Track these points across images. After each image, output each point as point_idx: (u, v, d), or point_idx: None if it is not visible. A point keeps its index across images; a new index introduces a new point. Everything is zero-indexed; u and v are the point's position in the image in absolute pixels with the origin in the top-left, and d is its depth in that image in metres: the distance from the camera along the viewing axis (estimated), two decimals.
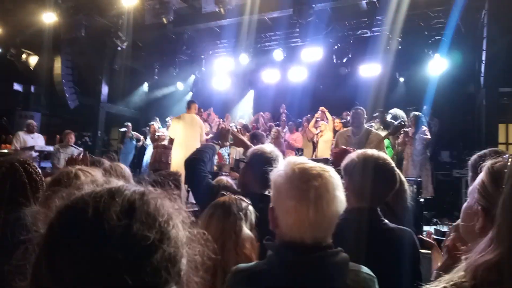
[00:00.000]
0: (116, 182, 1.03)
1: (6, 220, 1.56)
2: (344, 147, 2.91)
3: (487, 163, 1.02)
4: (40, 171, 1.75)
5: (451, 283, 0.78)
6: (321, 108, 8.18)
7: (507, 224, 0.79)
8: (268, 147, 2.06)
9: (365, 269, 1.14)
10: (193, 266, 0.60)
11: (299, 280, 1.01)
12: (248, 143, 2.71)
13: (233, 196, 1.57)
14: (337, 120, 7.61)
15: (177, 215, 0.59)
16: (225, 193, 1.61)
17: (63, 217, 0.55)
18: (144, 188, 0.60)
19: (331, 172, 1.08)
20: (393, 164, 1.58)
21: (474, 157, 1.86)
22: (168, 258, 0.54)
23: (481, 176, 1.02)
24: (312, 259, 1.01)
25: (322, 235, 1.05)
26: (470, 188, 1.07)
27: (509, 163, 0.91)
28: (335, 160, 2.68)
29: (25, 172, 1.66)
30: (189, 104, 6.85)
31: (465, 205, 1.09)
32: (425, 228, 5.26)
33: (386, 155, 1.59)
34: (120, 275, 0.50)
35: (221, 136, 2.45)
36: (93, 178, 1.11)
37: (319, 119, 8.03)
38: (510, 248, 0.73)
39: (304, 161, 1.11)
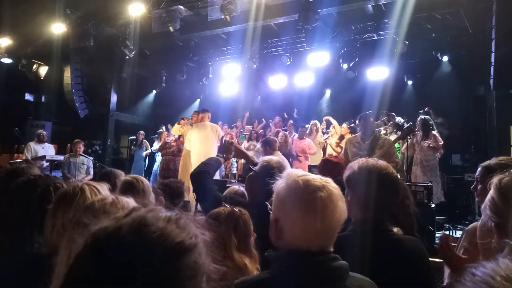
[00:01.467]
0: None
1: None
2: (332, 158, 2.89)
3: (495, 179, 1.02)
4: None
5: None
6: (325, 118, 8.14)
7: None
8: (276, 159, 2.11)
9: (365, 277, 1.15)
10: None
11: (302, 284, 1.03)
12: (249, 154, 2.74)
13: (228, 206, 1.59)
14: (344, 126, 7.56)
15: (202, 239, 0.65)
16: (224, 204, 1.63)
17: (109, 225, 0.61)
18: (176, 211, 0.67)
19: (332, 183, 1.11)
20: (395, 173, 1.56)
21: (494, 164, 1.78)
22: (193, 267, 0.59)
23: (490, 193, 1.02)
24: (315, 264, 1.04)
25: (327, 243, 1.08)
26: (483, 205, 1.07)
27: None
28: (321, 168, 2.66)
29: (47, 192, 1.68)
30: (203, 112, 6.85)
31: (479, 222, 1.08)
32: (438, 234, 5.19)
33: (387, 164, 1.56)
34: (153, 267, 0.55)
35: (226, 149, 2.50)
36: (102, 196, 1.12)
37: (324, 129, 7.96)
38: None
39: (304, 173, 1.14)
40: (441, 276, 1.75)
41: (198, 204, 2.48)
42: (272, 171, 2.02)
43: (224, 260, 1.41)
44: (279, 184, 1.13)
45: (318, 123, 8.50)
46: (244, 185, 2.72)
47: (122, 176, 2.74)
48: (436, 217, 5.24)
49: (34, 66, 10.40)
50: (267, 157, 2.23)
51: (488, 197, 1.03)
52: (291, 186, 1.09)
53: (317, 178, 1.10)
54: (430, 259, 1.57)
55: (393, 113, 7.36)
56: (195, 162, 6.34)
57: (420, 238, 2.23)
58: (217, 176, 6.40)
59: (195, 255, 0.60)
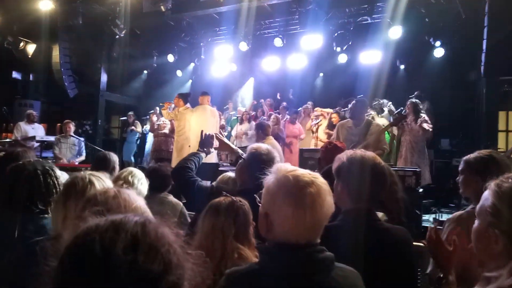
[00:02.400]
0: (125, 198, 1.06)
1: (23, 225, 1.61)
2: (336, 142, 2.91)
3: (492, 184, 1.02)
4: (59, 178, 1.79)
5: None
6: (317, 109, 8.06)
7: None
8: (265, 146, 2.12)
9: (350, 267, 1.20)
10: (193, 287, 0.63)
11: (290, 276, 1.07)
12: (234, 147, 2.74)
13: (228, 197, 1.62)
14: (334, 115, 7.57)
15: (176, 241, 0.63)
16: (225, 193, 1.65)
17: (72, 255, 0.57)
18: (144, 218, 0.63)
19: (320, 178, 1.15)
20: (383, 162, 1.61)
21: (478, 157, 1.83)
22: (172, 285, 0.57)
23: (490, 199, 1.01)
24: (303, 255, 1.09)
25: (314, 236, 1.13)
26: (478, 208, 1.06)
27: None
28: (323, 156, 2.69)
29: (44, 181, 1.71)
30: (203, 95, 6.75)
31: (476, 227, 1.07)
32: (424, 217, 5.34)
33: (375, 155, 1.61)
34: None
35: (206, 143, 2.49)
36: (105, 189, 1.14)
37: (314, 119, 7.90)
38: None
39: (293, 168, 1.17)
40: (423, 262, 1.82)
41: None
42: (261, 158, 2.05)
43: (222, 251, 1.45)
44: (269, 179, 1.16)
45: (310, 106, 8.52)
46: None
47: (117, 161, 2.76)
48: (423, 201, 5.38)
49: (21, 44, 10.12)
50: (255, 145, 2.24)
51: (488, 203, 1.02)
52: (281, 181, 1.13)
53: (306, 174, 1.14)
54: (414, 243, 1.64)
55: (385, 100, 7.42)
56: (194, 145, 6.34)
57: (407, 222, 2.32)
58: (213, 159, 6.42)
59: (172, 274, 0.58)
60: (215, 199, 1.64)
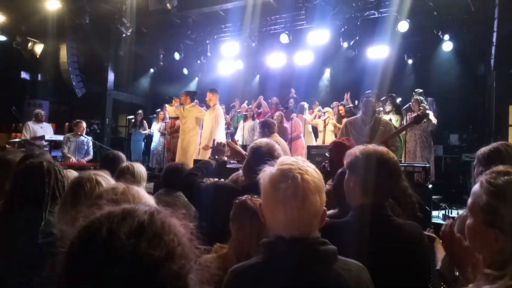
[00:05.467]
0: (133, 193, 1.06)
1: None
2: (343, 138, 2.87)
3: (483, 180, 0.98)
4: (63, 174, 1.80)
5: None
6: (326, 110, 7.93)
7: None
8: (264, 141, 2.13)
9: (355, 261, 1.18)
10: (199, 281, 0.64)
11: (290, 268, 1.07)
12: (244, 152, 2.74)
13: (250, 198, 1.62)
14: (340, 107, 7.51)
15: (184, 233, 0.63)
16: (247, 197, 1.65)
17: (82, 236, 0.60)
18: (154, 208, 0.64)
19: (306, 175, 1.10)
20: (395, 158, 1.59)
21: (485, 150, 1.82)
22: (173, 274, 0.58)
23: (484, 196, 0.98)
24: (301, 248, 1.08)
25: (305, 230, 1.10)
26: (470, 204, 1.02)
27: (508, 181, 0.92)
28: (333, 151, 2.65)
29: (60, 176, 1.71)
30: (213, 92, 6.63)
31: (470, 224, 1.03)
32: (434, 213, 5.28)
33: (387, 150, 1.59)
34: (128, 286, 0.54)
35: (218, 151, 2.53)
36: (114, 186, 1.14)
37: (322, 115, 7.79)
38: None
39: (292, 161, 1.14)
40: (434, 256, 1.79)
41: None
42: (261, 151, 2.06)
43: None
44: (265, 171, 1.16)
45: (306, 104, 8.48)
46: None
47: (125, 161, 2.76)
48: (432, 196, 5.33)
49: (29, 44, 10.19)
50: (257, 140, 2.26)
51: (482, 200, 0.98)
52: (267, 175, 1.13)
53: (295, 168, 1.10)
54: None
55: (394, 94, 7.36)
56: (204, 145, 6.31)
57: (423, 218, 2.30)
58: None
59: (175, 263, 0.58)
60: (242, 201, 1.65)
